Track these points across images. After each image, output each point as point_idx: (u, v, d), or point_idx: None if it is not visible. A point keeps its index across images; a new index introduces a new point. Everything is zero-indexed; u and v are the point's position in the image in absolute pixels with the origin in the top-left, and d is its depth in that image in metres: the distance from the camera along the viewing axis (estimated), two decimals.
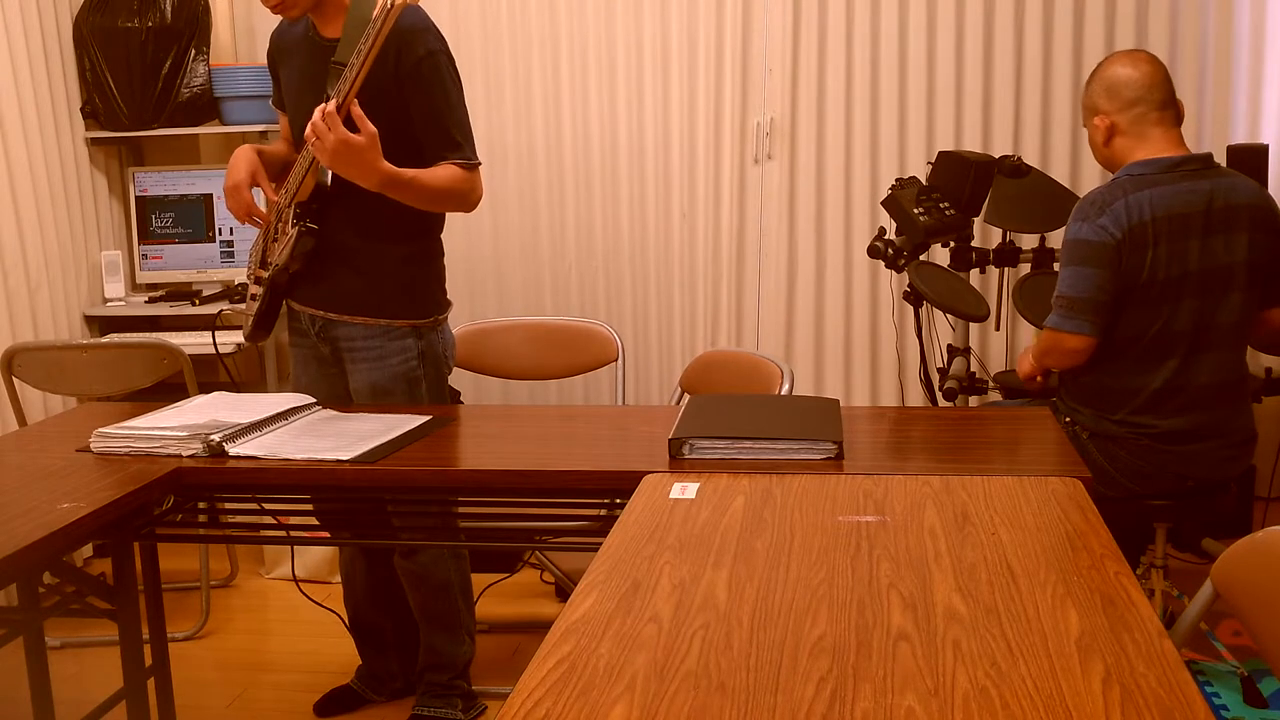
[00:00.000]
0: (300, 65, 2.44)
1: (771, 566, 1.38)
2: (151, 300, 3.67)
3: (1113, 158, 2.49)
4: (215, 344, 2.90)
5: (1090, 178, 3.48)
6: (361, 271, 2.43)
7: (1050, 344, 2.46)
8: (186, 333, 3.45)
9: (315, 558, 3.45)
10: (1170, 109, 2.45)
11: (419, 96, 2.31)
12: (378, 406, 2.40)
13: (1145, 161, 2.41)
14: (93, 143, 3.72)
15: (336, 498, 2.22)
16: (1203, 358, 2.41)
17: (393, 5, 2.05)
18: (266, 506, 2.17)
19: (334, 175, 2.33)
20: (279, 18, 2.42)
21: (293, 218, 2.39)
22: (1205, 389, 2.42)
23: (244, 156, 2.45)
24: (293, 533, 2.34)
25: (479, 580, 3.46)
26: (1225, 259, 2.38)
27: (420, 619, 2.61)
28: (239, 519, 2.31)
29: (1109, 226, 2.35)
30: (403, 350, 2.44)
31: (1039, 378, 2.60)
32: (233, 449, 2.00)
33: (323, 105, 2.16)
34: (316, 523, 2.43)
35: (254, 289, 2.51)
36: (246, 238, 3.69)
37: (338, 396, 2.54)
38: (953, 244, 3.05)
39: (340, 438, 2.06)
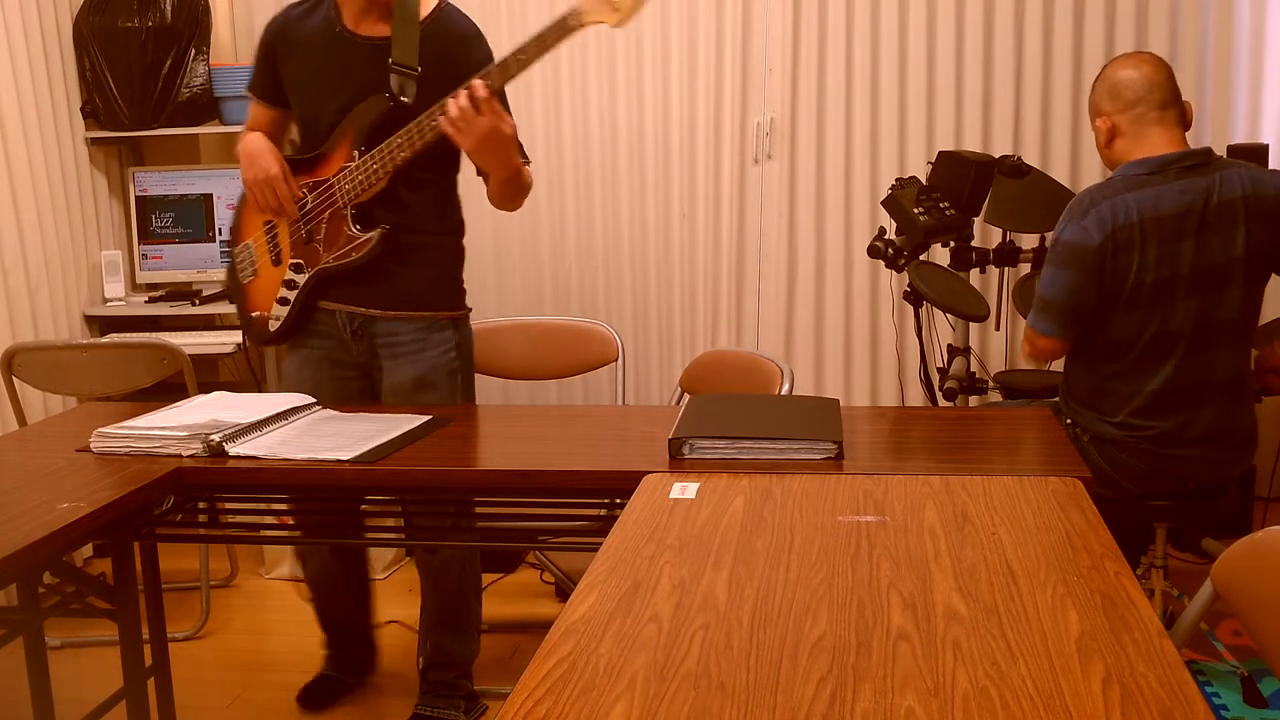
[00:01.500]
0: (323, 60, 2.41)
1: (771, 566, 1.38)
2: (151, 300, 3.67)
3: (1114, 159, 2.49)
4: (246, 346, 2.88)
5: (1090, 178, 3.47)
6: (408, 267, 2.45)
7: (1026, 337, 2.54)
8: (186, 333, 3.45)
9: None
10: (1171, 109, 2.43)
11: None
12: (379, 407, 2.41)
13: (1139, 161, 2.41)
14: (93, 143, 3.72)
15: (316, 497, 2.22)
16: (1201, 357, 2.40)
17: (580, 25, 2.18)
18: (267, 507, 2.18)
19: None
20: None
21: (352, 219, 2.40)
22: (1205, 388, 2.42)
23: (269, 147, 2.43)
24: (292, 533, 2.34)
25: None
26: (1221, 257, 2.37)
27: (434, 617, 2.61)
28: (239, 519, 2.31)
29: (1091, 228, 2.35)
30: (443, 342, 2.47)
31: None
32: (233, 449, 2.00)
33: (467, 88, 2.18)
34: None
35: (285, 293, 2.48)
36: None
37: (349, 397, 2.53)
38: (953, 244, 3.05)
39: (340, 438, 2.06)
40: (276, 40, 2.48)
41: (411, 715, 2.65)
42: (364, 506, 2.32)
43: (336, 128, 2.39)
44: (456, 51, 2.35)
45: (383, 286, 2.44)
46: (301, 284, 2.45)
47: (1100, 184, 2.43)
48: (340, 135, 2.38)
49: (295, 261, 2.45)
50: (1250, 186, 2.38)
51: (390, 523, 2.64)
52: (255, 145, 2.42)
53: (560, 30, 2.20)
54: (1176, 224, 2.34)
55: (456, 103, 2.20)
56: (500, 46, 3.64)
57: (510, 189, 2.41)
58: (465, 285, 2.58)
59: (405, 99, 2.33)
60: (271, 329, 2.52)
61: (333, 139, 2.39)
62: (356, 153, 2.36)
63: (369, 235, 2.38)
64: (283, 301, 2.48)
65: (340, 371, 2.52)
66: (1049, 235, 3.07)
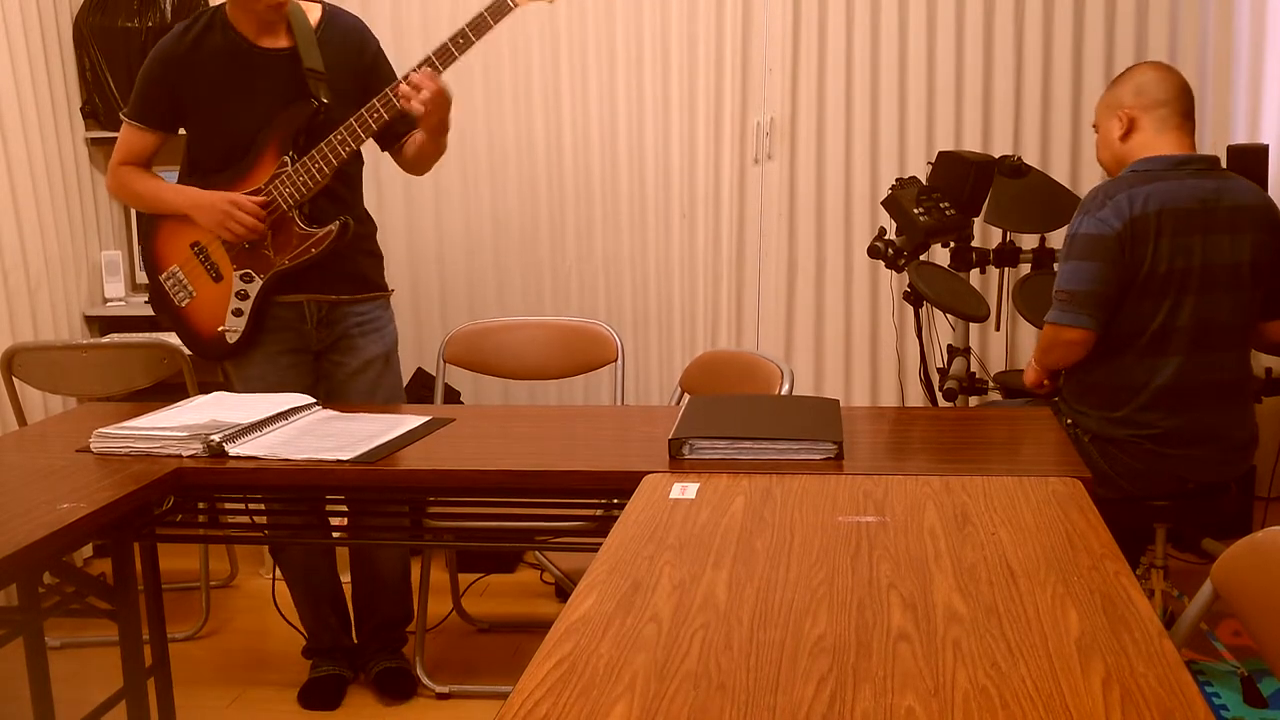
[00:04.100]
0: (236, 78, 2.50)
1: (771, 566, 1.38)
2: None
3: (1125, 155, 2.49)
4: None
5: (1090, 178, 3.47)
6: (360, 253, 2.62)
7: (1050, 338, 2.47)
8: None
9: None
10: (1190, 121, 2.48)
11: (384, 81, 2.54)
12: (375, 407, 2.42)
13: (1151, 158, 2.42)
14: (93, 143, 3.72)
15: (287, 498, 2.23)
16: (1206, 357, 2.41)
17: (514, 5, 2.39)
18: (256, 508, 2.18)
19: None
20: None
21: (302, 216, 2.51)
22: (1208, 386, 2.42)
23: (208, 192, 2.53)
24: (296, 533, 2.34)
25: (473, 578, 3.47)
26: (1231, 258, 2.38)
27: (394, 578, 2.76)
28: (239, 519, 2.31)
29: (1109, 219, 2.36)
30: (391, 319, 2.71)
31: (1046, 382, 2.60)
32: (233, 449, 2.00)
33: (418, 70, 2.39)
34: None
35: (238, 304, 2.55)
36: None
37: (310, 385, 2.62)
38: (953, 244, 3.05)
39: (340, 438, 2.06)
40: (172, 66, 2.54)
41: (379, 672, 2.72)
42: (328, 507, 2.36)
43: (258, 137, 2.49)
44: (352, 44, 2.57)
45: (345, 273, 2.58)
46: (255, 292, 2.54)
47: (1112, 180, 2.44)
48: (263, 145, 2.49)
49: (243, 272, 2.54)
50: (1258, 198, 2.42)
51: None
52: (198, 196, 2.53)
53: (496, 12, 2.38)
54: (1189, 219, 2.36)
55: (411, 81, 2.38)
56: (501, 46, 3.68)
57: (440, 146, 2.59)
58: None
59: (325, 100, 2.50)
60: (230, 341, 2.58)
61: (254, 150, 2.50)
62: (288, 158, 2.47)
63: (327, 228, 2.51)
64: (237, 313, 2.56)
65: (299, 359, 2.62)
66: (1049, 235, 3.09)
